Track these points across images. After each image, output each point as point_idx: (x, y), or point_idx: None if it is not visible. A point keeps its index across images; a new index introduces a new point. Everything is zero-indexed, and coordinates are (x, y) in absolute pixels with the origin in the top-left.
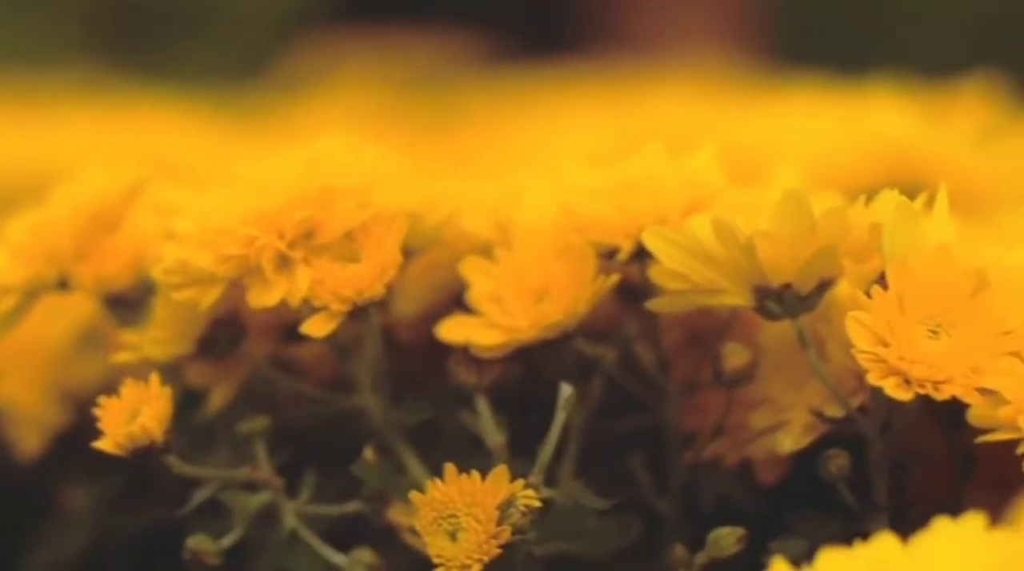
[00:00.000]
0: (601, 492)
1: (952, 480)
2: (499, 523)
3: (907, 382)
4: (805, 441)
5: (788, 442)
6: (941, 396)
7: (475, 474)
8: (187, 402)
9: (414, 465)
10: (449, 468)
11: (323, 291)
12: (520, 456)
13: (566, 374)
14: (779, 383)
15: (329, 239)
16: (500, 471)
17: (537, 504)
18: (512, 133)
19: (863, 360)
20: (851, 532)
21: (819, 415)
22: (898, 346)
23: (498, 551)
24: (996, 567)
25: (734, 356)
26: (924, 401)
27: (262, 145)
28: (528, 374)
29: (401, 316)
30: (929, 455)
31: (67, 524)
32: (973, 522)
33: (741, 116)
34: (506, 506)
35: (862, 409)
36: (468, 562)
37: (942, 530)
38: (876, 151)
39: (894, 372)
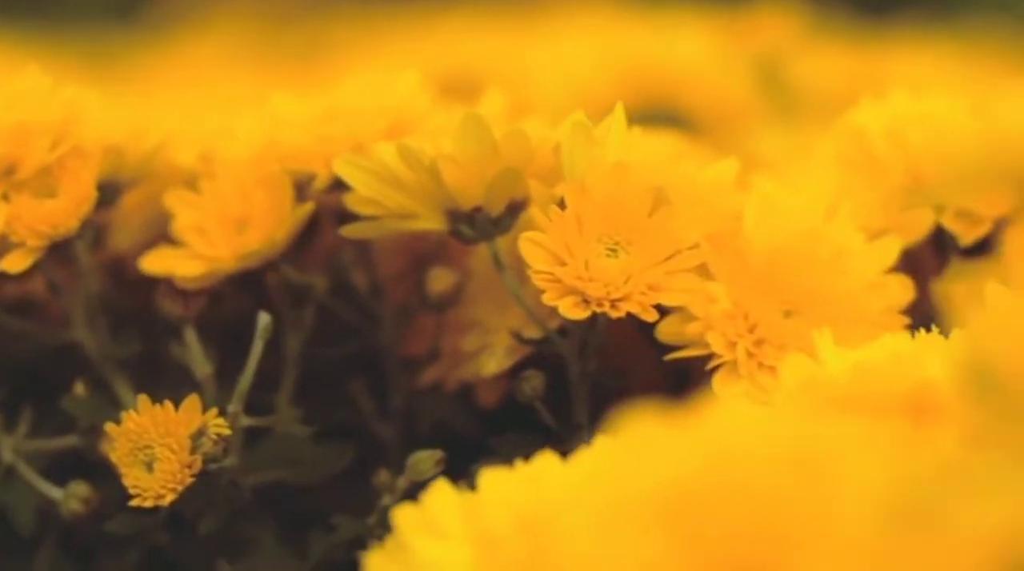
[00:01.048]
0: (325, 418)
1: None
2: (192, 452)
3: (586, 301)
4: (508, 363)
5: (492, 365)
6: (618, 314)
7: (168, 404)
8: None
9: (128, 398)
10: (142, 399)
11: (20, 227)
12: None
13: (282, 303)
14: (487, 306)
15: (27, 175)
16: (192, 401)
17: (227, 432)
18: (383, 62)
19: (539, 280)
20: (556, 452)
21: (518, 337)
22: (575, 265)
23: (192, 480)
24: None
25: (438, 280)
26: (636, 320)
27: (125, 90)
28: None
29: (120, 250)
30: (644, 373)
31: None
32: (659, 435)
33: (526, 43)
34: (198, 435)
35: (563, 330)
36: (162, 492)
37: (600, 446)
38: (629, 73)
39: (571, 291)
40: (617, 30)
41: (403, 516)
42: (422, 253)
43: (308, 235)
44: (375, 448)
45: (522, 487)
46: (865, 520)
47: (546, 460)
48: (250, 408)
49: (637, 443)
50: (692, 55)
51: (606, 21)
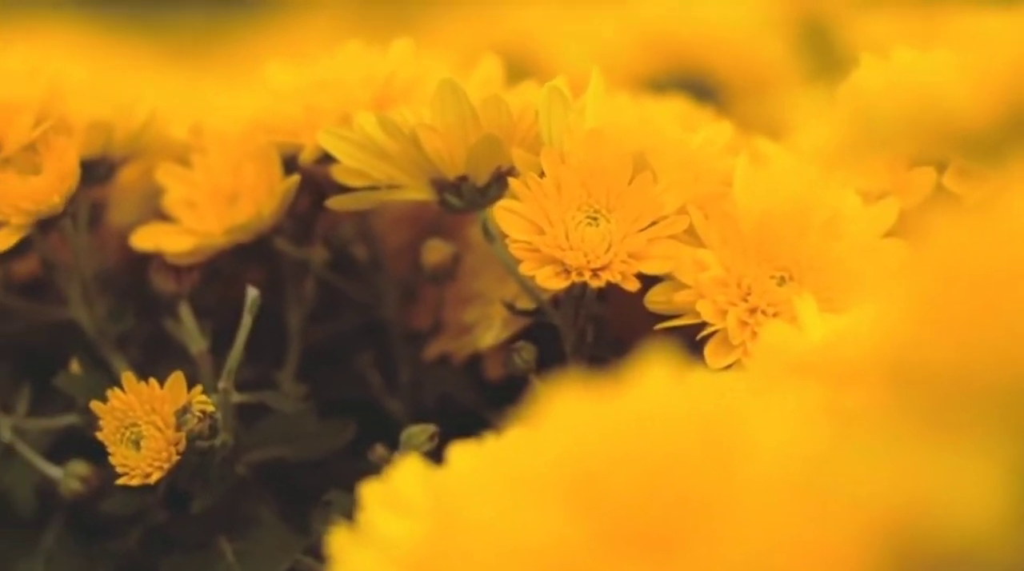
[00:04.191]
0: (331, 394)
1: None
2: (177, 429)
3: (566, 271)
4: (505, 335)
5: (489, 337)
6: (598, 283)
7: (153, 381)
8: None
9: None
10: (127, 376)
11: (3, 205)
12: (259, 362)
13: (284, 278)
14: (487, 278)
15: (11, 152)
16: (177, 378)
17: (211, 409)
18: (484, 27)
19: (516, 250)
20: None
21: (511, 308)
22: (554, 234)
23: (179, 457)
24: (582, 452)
25: (433, 252)
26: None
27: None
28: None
29: (120, 226)
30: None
31: None
32: (576, 408)
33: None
34: (182, 412)
35: (556, 301)
36: (149, 470)
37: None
38: (654, 41)
39: (550, 261)
40: None
41: (369, 492)
42: (426, 225)
43: (313, 209)
44: (383, 422)
45: (484, 461)
46: (771, 488)
47: (513, 433)
48: (257, 385)
49: (555, 414)
50: (722, 20)
51: None
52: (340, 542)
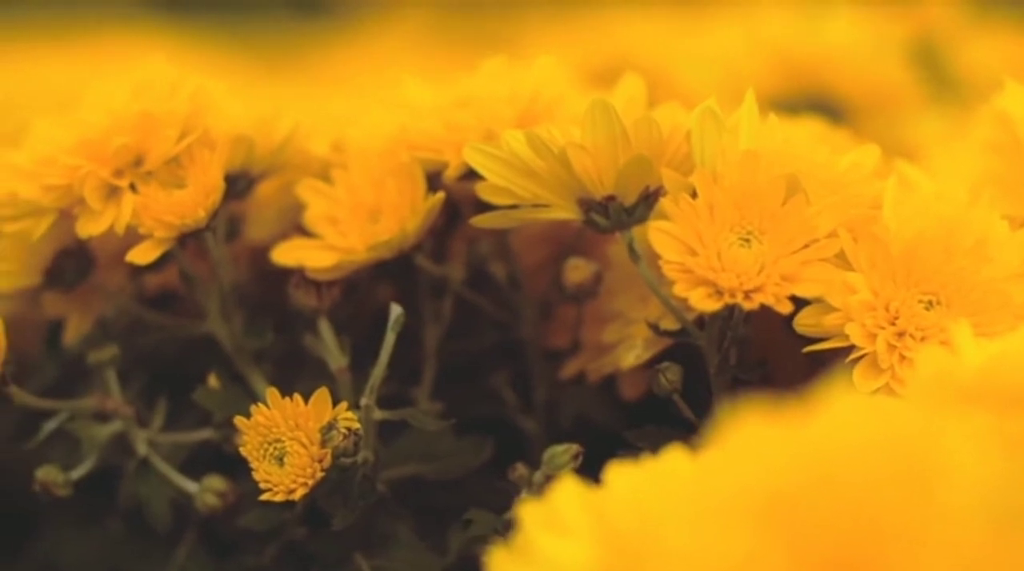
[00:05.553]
0: (466, 412)
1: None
2: (322, 446)
3: (718, 293)
4: (647, 356)
5: (630, 357)
6: (751, 305)
7: (298, 397)
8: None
9: (264, 391)
10: (271, 392)
11: (148, 218)
12: (394, 378)
13: (422, 295)
14: (628, 297)
15: (155, 165)
16: (322, 393)
17: (357, 426)
18: (576, 42)
19: (669, 271)
20: (695, 446)
21: (655, 329)
22: (707, 255)
23: (323, 474)
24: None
25: (575, 271)
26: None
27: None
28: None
29: (256, 241)
30: (789, 365)
31: None
32: (765, 432)
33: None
34: (327, 429)
35: (701, 322)
36: (293, 487)
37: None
38: (781, 59)
39: (703, 282)
40: (769, 15)
41: (528, 512)
42: (564, 243)
43: (448, 225)
44: (518, 441)
45: (647, 483)
46: (970, 519)
47: (674, 455)
48: (392, 402)
49: (744, 439)
50: (846, 40)
51: (758, 6)
52: (499, 563)
